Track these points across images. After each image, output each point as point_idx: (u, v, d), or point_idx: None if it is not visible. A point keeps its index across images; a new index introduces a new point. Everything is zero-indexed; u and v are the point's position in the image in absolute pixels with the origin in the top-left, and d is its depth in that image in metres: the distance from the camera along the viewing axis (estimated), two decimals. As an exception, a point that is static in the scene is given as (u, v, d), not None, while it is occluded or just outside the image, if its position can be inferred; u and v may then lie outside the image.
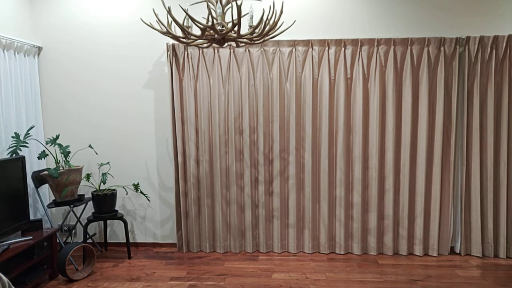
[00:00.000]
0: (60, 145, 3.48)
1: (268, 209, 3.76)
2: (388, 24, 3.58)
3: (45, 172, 3.38)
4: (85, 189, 3.77)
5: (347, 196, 3.68)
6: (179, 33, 2.58)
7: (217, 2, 2.42)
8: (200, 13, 2.74)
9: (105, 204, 3.57)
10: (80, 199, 3.58)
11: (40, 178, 3.50)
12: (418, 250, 3.66)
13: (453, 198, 3.62)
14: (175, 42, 3.48)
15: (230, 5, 2.47)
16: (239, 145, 3.69)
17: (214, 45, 2.60)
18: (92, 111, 3.84)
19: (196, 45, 2.62)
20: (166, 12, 2.33)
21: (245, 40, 2.51)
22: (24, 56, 3.58)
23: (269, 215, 3.77)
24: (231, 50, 3.56)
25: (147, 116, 3.83)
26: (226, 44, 3.47)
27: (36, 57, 3.77)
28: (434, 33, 3.52)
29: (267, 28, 2.44)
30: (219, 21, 2.40)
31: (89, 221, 3.59)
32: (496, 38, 3.42)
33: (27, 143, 3.30)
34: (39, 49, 3.79)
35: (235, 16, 2.23)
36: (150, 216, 3.95)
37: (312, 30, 3.60)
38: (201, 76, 3.61)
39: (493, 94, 3.46)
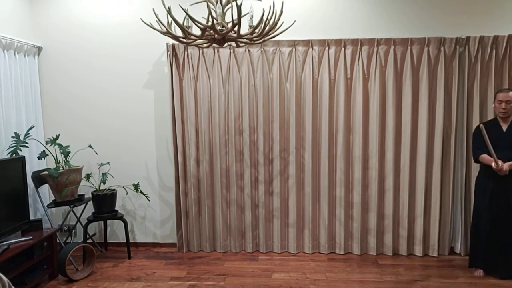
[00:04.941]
0: (60, 145, 3.48)
1: (268, 209, 3.76)
2: (388, 24, 3.58)
3: (45, 172, 3.38)
4: (85, 189, 3.77)
5: (347, 196, 3.68)
6: (179, 33, 2.58)
7: (217, 2, 2.42)
8: (200, 13, 2.74)
9: (105, 204, 3.57)
10: (80, 199, 3.58)
11: (40, 178, 3.50)
12: (418, 250, 3.66)
13: (453, 198, 3.62)
14: (175, 42, 3.48)
15: (230, 5, 2.47)
16: (239, 145, 3.69)
17: (214, 45, 2.59)
18: (92, 111, 3.84)
19: (196, 45, 2.62)
20: (166, 12, 2.32)
21: (245, 40, 2.51)
22: (24, 56, 3.58)
23: (269, 215, 3.77)
24: (231, 50, 3.56)
25: (147, 116, 3.82)
26: (226, 44, 3.46)
27: (36, 57, 3.77)
28: (434, 33, 3.52)
29: (267, 28, 2.44)
30: (219, 21, 2.40)
31: (89, 221, 3.59)
32: (496, 38, 3.42)
33: (27, 143, 3.30)
34: (39, 49, 3.78)
35: (235, 16, 2.23)
36: (150, 216, 3.95)
37: (312, 30, 3.60)
38: (201, 76, 3.61)
39: (493, 94, 3.45)
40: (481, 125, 2.92)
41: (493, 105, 3.13)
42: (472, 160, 3.52)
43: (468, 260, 3.36)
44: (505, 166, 2.91)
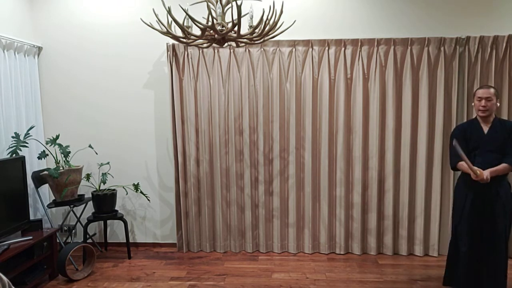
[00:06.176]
0: (60, 145, 3.48)
1: (268, 209, 3.76)
2: (388, 24, 3.58)
3: (45, 172, 3.38)
4: (85, 189, 3.77)
5: (347, 196, 3.68)
6: (179, 33, 2.58)
7: (217, 2, 2.42)
8: (200, 13, 2.73)
9: (105, 204, 3.57)
10: (80, 199, 3.58)
11: (40, 178, 3.49)
12: (418, 250, 3.66)
13: (453, 198, 3.62)
14: (175, 42, 3.48)
15: (230, 5, 2.47)
16: (239, 145, 3.69)
17: (214, 45, 2.59)
18: (92, 111, 3.84)
19: (196, 45, 2.62)
20: (166, 12, 2.32)
21: (245, 40, 2.51)
22: (24, 56, 3.58)
23: (269, 215, 3.77)
24: (231, 50, 3.56)
25: (147, 116, 3.82)
26: (226, 44, 3.46)
27: (36, 57, 3.77)
28: (434, 33, 3.52)
29: (267, 28, 2.44)
30: (219, 21, 2.40)
31: (89, 221, 3.59)
32: (496, 38, 3.42)
33: (27, 143, 3.30)
34: (39, 49, 3.78)
35: (235, 16, 2.23)
36: (150, 216, 3.95)
37: (312, 30, 3.60)
38: (201, 76, 3.61)
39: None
40: (455, 140, 2.58)
41: (473, 104, 2.77)
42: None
43: (443, 278, 2.96)
44: (486, 173, 2.52)
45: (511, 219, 2.71)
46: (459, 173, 3.58)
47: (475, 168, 2.55)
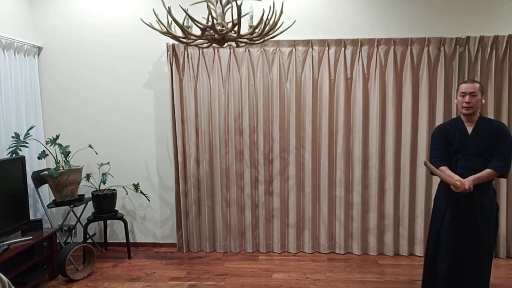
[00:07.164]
0: (60, 145, 3.48)
1: (268, 209, 3.76)
2: (388, 24, 3.58)
3: (45, 172, 3.38)
4: (85, 189, 3.77)
5: (347, 196, 3.68)
6: (179, 33, 2.58)
7: (217, 2, 2.42)
8: (200, 13, 2.73)
9: (105, 204, 3.57)
10: (80, 199, 3.58)
11: (40, 178, 3.50)
12: (418, 250, 3.66)
13: (453, 198, 3.62)
14: (175, 42, 3.48)
15: (230, 5, 2.47)
16: (239, 145, 3.69)
17: (214, 45, 2.60)
18: (92, 111, 3.84)
19: (196, 45, 2.63)
20: (166, 12, 2.32)
21: (245, 40, 2.51)
22: (24, 56, 3.58)
23: (269, 215, 3.77)
24: (231, 50, 3.56)
25: (147, 116, 3.82)
26: (226, 44, 3.46)
27: (36, 57, 3.77)
28: (434, 33, 3.52)
29: (267, 28, 2.44)
30: (219, 21, 2.40)
31: (89, 221, 3.59)
32: (496, 38, 3.42)
33: (27, 143, 3.30)
34: (39, 49, 3.78)
35: (235, 16, 2.23)
36: (150, 216, 3.95)
37: (312, 30, 3.60)
38: (201, 76, 3.61)
39: (493, 94, 3.46)
40: (425, 161, 2.38)
41: (455, 100, 2.53)
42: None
43: None
44: (467, 183, 2.25)
45: (496, 232, 2.54)
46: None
47: (454, 179, 2.30)
